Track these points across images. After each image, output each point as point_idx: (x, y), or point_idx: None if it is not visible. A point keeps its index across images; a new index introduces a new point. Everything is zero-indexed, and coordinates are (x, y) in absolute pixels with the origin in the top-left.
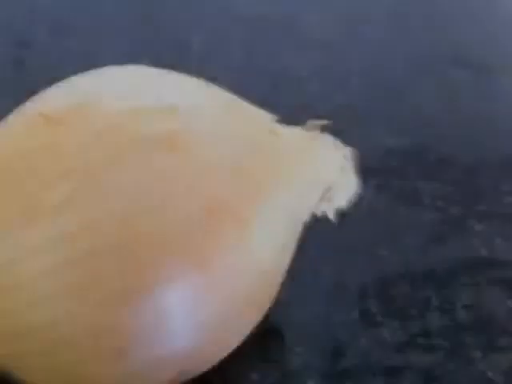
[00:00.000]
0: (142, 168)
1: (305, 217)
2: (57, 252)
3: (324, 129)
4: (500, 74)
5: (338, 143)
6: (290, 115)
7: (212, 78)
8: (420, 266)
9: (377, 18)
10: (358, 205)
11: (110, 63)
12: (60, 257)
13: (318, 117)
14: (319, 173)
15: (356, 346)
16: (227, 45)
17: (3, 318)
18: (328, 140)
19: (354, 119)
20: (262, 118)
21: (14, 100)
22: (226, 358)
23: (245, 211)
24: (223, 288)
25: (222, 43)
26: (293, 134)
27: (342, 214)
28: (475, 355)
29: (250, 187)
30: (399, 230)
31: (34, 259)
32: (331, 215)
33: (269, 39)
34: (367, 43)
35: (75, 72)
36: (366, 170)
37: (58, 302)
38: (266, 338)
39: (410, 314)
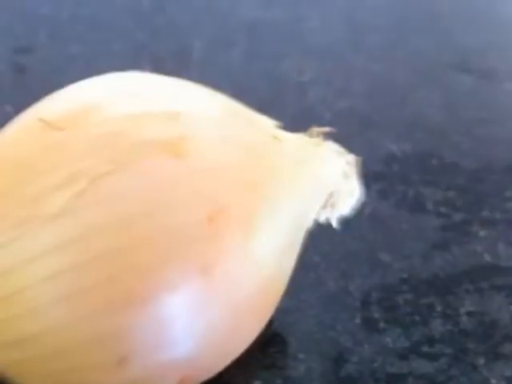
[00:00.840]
0: (144, 173)
1: (308, 223)
2: (58, 258)
3: (326, 135)
4: (503, 79)
5: (341, 149)
6: (292, 121)
7: (213, 84)
8: (423, 272)
9: (379, 23)
10: (360, 211)
11: (111, 69)
12: (61, 262)
13: (321, 123)
14: (322, 179)
15: (359, 353)
16: (228, 50)
17: (4, 324)
18: (330, 146)
19: (357, 125)
20: (264, 124)
21: (15, 106)
22: (228, 366)
23: (247, 217)
24: (225, 294)
25: (224, 48)
26: (295, 140)
27: (345, 220)
28: (478, 362)
29: (252, 193)
30: (402, 235)
31: (35, 265)
32: (334, 221)
33: (270, 44)
34: (369, 49)
35: (76, 78)
36: (368, 176)
37: (59, 308)
38: (268, 345)
39: (413, 321)
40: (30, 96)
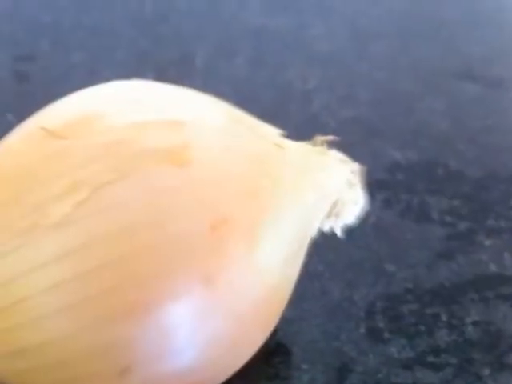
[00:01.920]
0: (146, 182)
1: (312, 232)
2: (60, 267)
3: (330, 144)
4: (509, 87)
5: (345, 158)
6: (296, 129)
7: (217, 92)
8: (428, 281)
9: (383, 31)
10: (365, 220)
11: (113, 78)
12: (63, 272)
13: (325, 131)
14: (326, 188)
15: (363, 363)
16: (232, 58)
17: (6, 334)
18: (335, 155)
19: (362, 133)
20: (267, 133)
21: (16, 115)
22: (231, 376)
23: (250, 226)
24: (229, 304)
25: (227, 56)
26: (299, 149)
27: (349, 229)
28: (483, 372)
29: (255, 202)
30: (407, 245)
31: (37, 275)
32: (338, 230)
33: (275, 52)
34: (375, 56)
35: (79, 86)
36: (373, 185)
37: (61, 318)
38: (272, 355)
39: (418, 331)
40: (31, 105)
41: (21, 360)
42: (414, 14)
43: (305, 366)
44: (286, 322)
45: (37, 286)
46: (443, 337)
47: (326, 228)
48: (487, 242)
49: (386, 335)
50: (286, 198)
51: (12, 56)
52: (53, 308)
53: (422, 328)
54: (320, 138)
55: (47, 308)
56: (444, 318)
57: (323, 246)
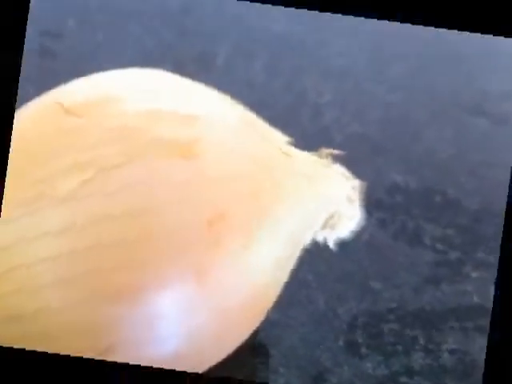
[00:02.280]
0: (152, 170)
1: (306, 240)
2: (58, 241)
3: (336, 158)
4: None
5: (348, 174)
6: (304, 139)
7: (232, 92)
8: (412, 304)
9: (403, 54)
10: (359, 236)
11: (133, 64)
12: (61, 245)
13: (331, 145)
14: (325, 200)
15: (338, 374)
16: (250, 61)
17: (2, 299)
18: (338, 169)
19: (367, 150)
20: (276, 139)
21: (38, 90)
22: (208, 370)
23: (247, 225)
24: (216, 298)
25: (246, 59)
26: (304, 158)
27: (342, 243)
28: None
29: (255, 202)
30: (396, 266)
31: (37, 244)
32: (331, 243)
33: (293, 61)
34: (391, 78)
35: (102, 68)
36: (371, 203)
37: (53, 290)
38: (251, 355)
39: (395, 350)
40: (54, 81)
41: (16, 325)
42: (434, 44)
43: (281, 370)
44: (269, 324)
45: (35, 254)
46: (418, 359)
47: (320, 238)
48: (474, 274)
49: (364, 350)
50: (286, 203)
51: (38, 31)
52: (45, 279)
53: (400, 348)
54: (326, 151)
55: (40, 279)
56: (422, 341)
57: (314, 256)
